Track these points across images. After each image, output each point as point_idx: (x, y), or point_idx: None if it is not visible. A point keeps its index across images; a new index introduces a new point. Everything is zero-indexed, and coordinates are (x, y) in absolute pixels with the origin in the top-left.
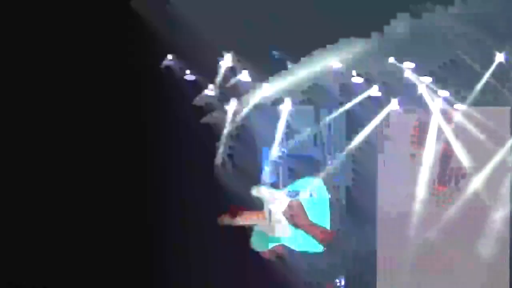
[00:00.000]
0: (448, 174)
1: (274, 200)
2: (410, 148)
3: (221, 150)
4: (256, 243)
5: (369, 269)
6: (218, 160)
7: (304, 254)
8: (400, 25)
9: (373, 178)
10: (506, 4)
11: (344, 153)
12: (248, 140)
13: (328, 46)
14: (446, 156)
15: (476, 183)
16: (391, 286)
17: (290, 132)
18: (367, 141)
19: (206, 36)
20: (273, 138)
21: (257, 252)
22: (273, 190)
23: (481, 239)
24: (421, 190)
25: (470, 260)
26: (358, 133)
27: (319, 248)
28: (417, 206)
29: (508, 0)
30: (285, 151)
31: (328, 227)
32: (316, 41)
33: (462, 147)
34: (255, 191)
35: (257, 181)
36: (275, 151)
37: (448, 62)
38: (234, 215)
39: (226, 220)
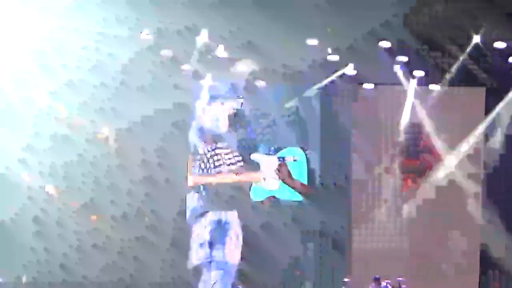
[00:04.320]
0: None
1: (268, 162)
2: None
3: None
4: (254, 195)
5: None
6: None
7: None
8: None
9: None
10: None
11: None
12: None
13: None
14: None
15: (449, 162)
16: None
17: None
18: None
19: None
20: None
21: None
22: (267, 156)
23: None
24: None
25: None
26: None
27: (300, 198)
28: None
29: None
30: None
31: (306, 183)
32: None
33: (436, 127)
34: (253, 156)
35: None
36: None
37: (424, 42)
38: (238, 174)
39: (232, 177)
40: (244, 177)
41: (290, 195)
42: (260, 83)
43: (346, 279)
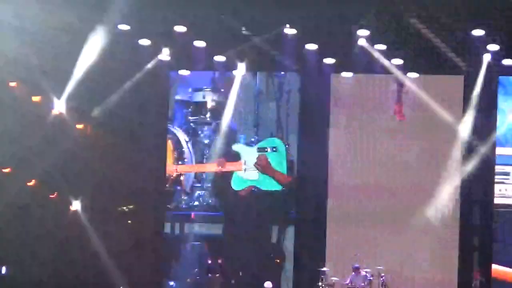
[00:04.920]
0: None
1: (248, 153)
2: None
3: None
4: (235, 184)
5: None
6: None
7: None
8: None
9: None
10: None
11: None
12: None
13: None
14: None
15: (426, 151)
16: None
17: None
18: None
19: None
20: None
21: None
22: (247, 147)
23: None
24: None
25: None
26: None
27: (279, 187)
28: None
29: None
30: (256, 137)
31: (285, 173)
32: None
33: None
34: (235, 147)
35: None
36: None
37: (403, 30)
38: (221, 164)
39: (214, 168)
40: (226, 167)
41: (270, 185)
42: (239, 73)
43: (324, 268)
